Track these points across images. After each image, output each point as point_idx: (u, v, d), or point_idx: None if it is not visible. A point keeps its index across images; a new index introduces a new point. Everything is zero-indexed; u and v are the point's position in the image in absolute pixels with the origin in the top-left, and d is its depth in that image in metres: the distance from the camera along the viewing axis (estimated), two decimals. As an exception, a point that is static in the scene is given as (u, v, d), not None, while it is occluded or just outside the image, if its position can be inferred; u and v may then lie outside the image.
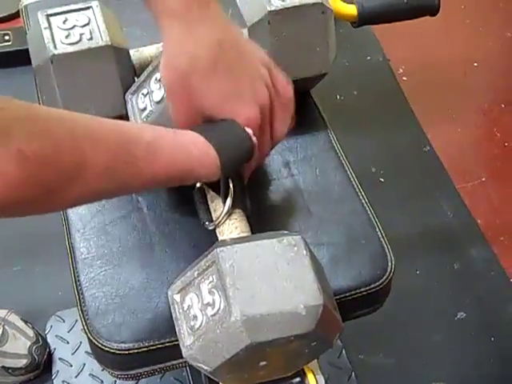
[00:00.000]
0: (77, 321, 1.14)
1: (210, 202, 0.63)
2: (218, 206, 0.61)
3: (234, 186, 0.60)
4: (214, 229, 0.61)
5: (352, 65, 1.66)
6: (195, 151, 0.56)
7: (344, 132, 1.42)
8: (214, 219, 0.61)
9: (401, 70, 1.69)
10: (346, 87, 1.61)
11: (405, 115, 1.61)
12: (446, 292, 1.30)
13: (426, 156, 1.52)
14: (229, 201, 0.60)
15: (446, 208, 1.43)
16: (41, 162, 0.46)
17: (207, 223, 0.62)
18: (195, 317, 0.52)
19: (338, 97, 1.61)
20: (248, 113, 0.59)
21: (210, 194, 0.62)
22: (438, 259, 1.34)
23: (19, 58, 1.47)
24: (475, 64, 1.71)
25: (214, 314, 0.51)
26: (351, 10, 1.01)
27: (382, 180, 1.47)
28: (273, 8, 0.68)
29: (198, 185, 0.62)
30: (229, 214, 0.60)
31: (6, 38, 1.61)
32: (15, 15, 1.70)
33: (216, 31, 0.59)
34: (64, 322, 1.16)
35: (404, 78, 1.68)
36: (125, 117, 0.69)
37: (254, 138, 0.59)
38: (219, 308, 0.51)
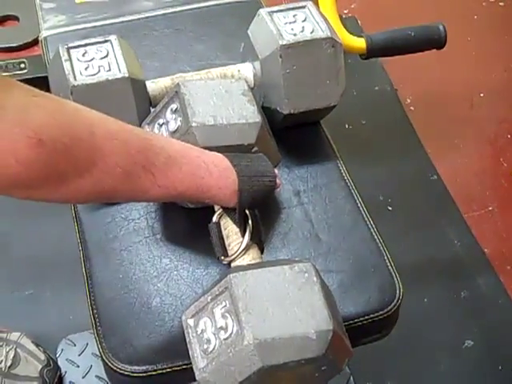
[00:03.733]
0: (87, 344, 1.15)
1: (225, 237, 0.64)
2: (234, 242, 0.63)
3: (251, 221, 0.62)
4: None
5: (360, 94, 1.69)
6: (215, 172, 0.58)
7: (352, 161, 1.44)
8: (230, 255, 0.63)
9: (408, 100, 1.72)
10: (354, 116, 1.64)
11: (412, 144, 1.62)
12: (453, 320, 1.30)
13: (433, 185, 1.54)
14: (247, 238, 0.61)
15: (452, 237, 1.44)
16: (54, 149, 0.47)
17: (222, 258, 0.63)
18: (208, 340, 0.53)
19: (347, 126, 1.63)
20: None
21: (226, 230, 0.64)
22: (445, 287, 1.35)
23: (35, 86, 1.52)
24: (481, 95, 1.73)
25: (227, 338, 0.52)
26: (360, 43, 1.05)
27: (390, 208, 1.48)
28: (285, 42, 0.71)
29: (215, 219, 0.64)
30: (245, 250, 0.62)
31: (22, 66, 1.65)
32: (30, 44, 1.75)
33: None
34: (75, 345, 1.18)
35: (411, 108, 1.70)
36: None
37: (279, 181, 0.63)
38: (232, 332, 0.52)
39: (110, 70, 0.69)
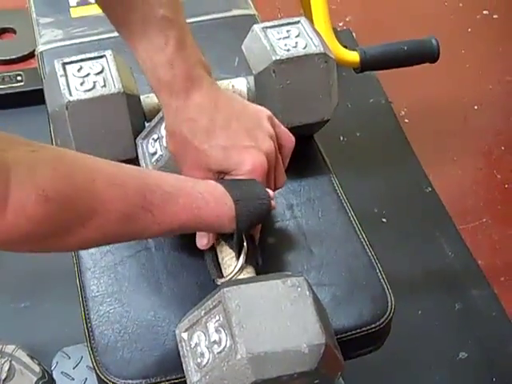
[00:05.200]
0: (82, 357, 1.15)
1: (220, 260, 0.65)
2: (229, 262, 0.63)
3: (247, 244, 0.62)
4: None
5: (355, 107, 1.70)
6: (212, 202, 0.58)
7: (347, 173, 1.45)
8: (225, 275, 0.63)
9: (403, 113, 1.73)
10: (349, 129, 1.65)
11: (407, 157, 1.63)
12: (447, 332, 1.31)
13: (428, 197, 1.55)
14: (241, 260, 0.62)
15: (447, 248, 1.45)
16: (61, 203, 0.48)
17: (217, 279, 0.64)
18: (202, 354, 0.54)
19: (342, 138, 1.64)
20: (253, 160, 0.62)
21: (222, 252, 0.65)
22: (439, 299, 1.35)
23: (31, 98, 1.53)
24: (476, 107, 1.75)
25: (221, 352, 0.53)
26: (353, 56, 1.06)
27: (384, 220, 1.49)
28: (278, 57, 0.72)
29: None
30: (240, 271, 0.62)
31: (19, 78, 1.66)
32: (27, 57, 1.75)
33: (209, 95, 0.63)
34: (70, 358, 1.18)
35: (406, 121, 1.71)
36: (135, 160, 0.72)
37: (274, 203, 0.62)
38: (225, 346, 0.53)
39: (104, 85, 0.70)
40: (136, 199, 0.54)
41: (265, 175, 0.63)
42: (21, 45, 1.77)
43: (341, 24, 1.91)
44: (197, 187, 0.59)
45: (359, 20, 1.94)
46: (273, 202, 0.63)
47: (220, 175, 0.64)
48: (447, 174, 1.61)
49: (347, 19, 1.94)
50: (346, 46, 1.29)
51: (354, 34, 1.88)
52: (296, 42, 0.73)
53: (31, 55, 1.73)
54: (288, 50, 0.72)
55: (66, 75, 0.71)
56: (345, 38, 1.72)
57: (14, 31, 1.83)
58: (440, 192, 1.55)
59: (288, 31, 0.74)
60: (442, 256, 1.43)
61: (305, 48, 0.72)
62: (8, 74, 1.66)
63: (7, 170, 0.45)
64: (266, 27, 0.75)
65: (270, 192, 0.63)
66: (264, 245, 0.70)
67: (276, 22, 0.76)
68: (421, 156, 1.62)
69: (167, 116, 0.64)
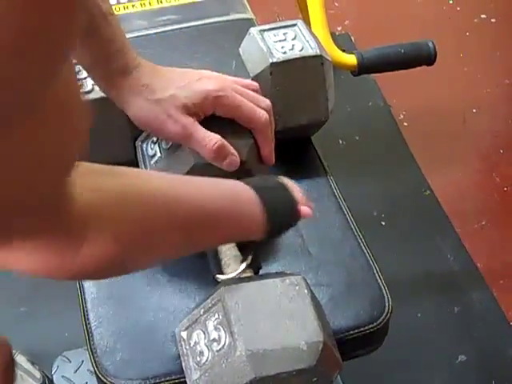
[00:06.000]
0: (83, 361, 1.15)
1: (223, 256, 0.65)
2: (229, 262, 0.64)
3: (254, 250, 0.63)
4: None
5: (354, 110, 1.71)
6: (246, 222, 0.57)
7: (346, 176, 1.46)
8: (226, 274, 0.63)
9: (401, 116, 1.74)
10: (348, 132, 1.65)
11: (406, 160, 1.64)
12: (446, 335, 1.31)
13: (427, 200, 1.55)
14: (245, 264, 0.62)
15: (446, 251, 1.45)
16: (130, 244, 0.48)
17: (218, 276, 0.64)
18: (201, 352, 0.54)
19: (341, 142, 1.65)
20: (216, 80, 0.65)
21: (223, 249, 0.65)
22: (438, 302, 1.36)
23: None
24: (474, 110, 1.75)
25: (220, 349, 0.53)
26: (351, 59, 1.06)
27: (383, 223, 1.50)
28: (275, 60, 0.72)
29: None
30: (241, 273, 0.63)
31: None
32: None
33: (152, 66, 0.67)
34: (70, 362, 1.18)
35: (405, 124, 1.72)
36: (134, 162, 0.72)
37: (306, 209, 0.61)
38: (224, 343, 0.53)
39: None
40: (191, 229, 0.53)
41: (235, 94, 0.65)
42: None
43: (339, 28, 1.92)
44: (237, 208, 0.57)
45: (358, 24, 1.95)
46: (306, 209, 0.61)
47: (199, 115, 0.64)
48: (446, 176, 1.61)
49: (346, 23, 1.95)
50: (344, 50, 1.29)
51: (352, 38, 1.89)
52: (293, 45, 0.73)
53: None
54: (285, 53, 0.73)
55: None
56: (343, 42, 1.73)
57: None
58: (439, 195, 1.55)
59: (285, 34, 0.75)
60: (441, 259, 1.43)
61: (301, 50, 0.73)
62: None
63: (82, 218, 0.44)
64: (263, 30, 0.76)
65: (300, 197, 0.61)
66: (263, 246, 0.71)
67: (273, 25, 0.77)
68: (420, 159, 1.63)
69: (124, 96, 0.66)
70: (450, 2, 2.01)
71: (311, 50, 0.73)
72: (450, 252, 1.45)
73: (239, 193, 0.57)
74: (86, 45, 0.63)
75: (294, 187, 0.61)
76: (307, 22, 1.19)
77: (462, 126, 1.73)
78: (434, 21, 1.94)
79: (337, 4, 1.96)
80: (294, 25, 0.76)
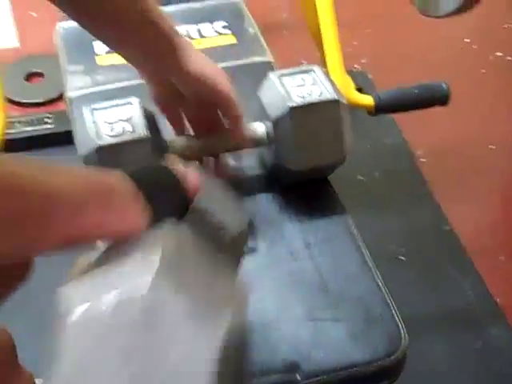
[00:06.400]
0: None
1: None
2: None
3: None
4: None
5: (372, 147, 1.74)
6: (116, 207, 0.44)
7: (365, 211, 1.49)
8: None
9: (419, 152, 1.76)
10: (366, 168, 1.68)
11: (424, 195, 1.66)
12: (465, 371, 1.31)
13: (446, 235, 1.57)
14: None
15: (465, 287, 1.46)
16: None
17: None
18: None
19: (360, 177, 1.68)
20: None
21: None
22: (457, 338, 1.36)
23: (58, 140, 1.59)
24: (491, 147, 1.78)
25: None
26: (368, 100, 1.10)
27: (403, 258, 1.51)
28: (294, 104, 0.76)
29: None
30: None
31: (46, 120, 1.73)
32: (55, 100, 1.83)
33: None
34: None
35: (423, 160, 1.74)
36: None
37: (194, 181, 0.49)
38: None
39: (133, 130, 0.74)
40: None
41: None
42: (49, 88, 1.84)
43: (357, 66, 1.96)
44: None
45: (374, 61, 1.99)
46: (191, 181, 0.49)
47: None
48: (465, 212, 1.63)
49: (363, 61, 1.99)
50: (361, 88, 1.33)
51: (369, 75, 1.93)
52: (311, 90, 0.77)
53: (59, 98, 1.80)
54: (303, 97, 0.76)
55: (95, 121, 0.76)
56: (361, 80, 1.77)
57: (41, 75, 1.90)
58: (458, 230, 1.57)
59: (303, 79, 0.78)
60: (460, 294, 1.44)
61: (319, 95, 0.76)
62: (36, 116, 1.73)
63: None
64: (282, 75, 0.80)
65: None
66: (282, 282, 0.73)
67: (291, 70, 0.80)
68: (438, 195, 1.65)
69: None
70: (467, 40, 2.05)
71: (328, 94, 0.76)
72: (470, 287, 1.46)
73: (103, 180, 0.44)
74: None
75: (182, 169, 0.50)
76: (324, 61, 1.24)
77: (480, 163, 1.75)
78: (451, 58, 1.98)
79: (355, 42, 2.01)
80: (312, 70, 0.80)
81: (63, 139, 1.54)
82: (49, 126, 1.70)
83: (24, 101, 1.81)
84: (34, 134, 1.68)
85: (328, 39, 1.25)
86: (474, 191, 1.68)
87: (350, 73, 1.61)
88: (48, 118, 1.73)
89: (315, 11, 1.32)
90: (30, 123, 1.71)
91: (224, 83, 0.76)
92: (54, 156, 1.59)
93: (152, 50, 0.74)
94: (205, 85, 0.75)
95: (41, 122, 1.72)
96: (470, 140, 1.79)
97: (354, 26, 2.00)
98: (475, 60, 1.99)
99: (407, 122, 1.78)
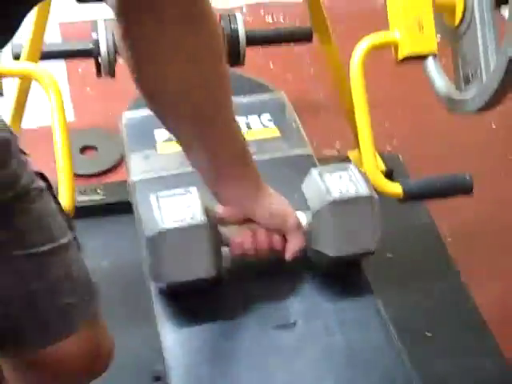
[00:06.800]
0: None
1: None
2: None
3: None
4: None
5: (401, 226, 1.82)
6: None
7: (392, 287, 1.55)
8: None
9: (445, 231, 1.84)
10: (395, 246, 1.76)
11: (450, 273, 1.73)
12: None
13: (470, 313, 1.63)
14: None
15: (488, 364, 1.51)
16: None
17: None
18: None
19: (388, 255, 1.76)
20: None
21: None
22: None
23: (109, 210, 1.72)
24: (516, 225, 1.84)
25: None
26: (397, 188, 1.21)
27: (429, 335, 1.57)
28: (333, 199, 0.88)
29: None
30: None
31: (98, 191, 1.86)
32: (106, 172, 1.96)
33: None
34: None
35: (449, 239, 1.82)
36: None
37: None
38: None
39: (192, 217, 0.86)
40: None
41: None
42: (101, 161, 1.98)
43: (389, 148, 2.06)
44: None
45: (406, 143, 2.09)
46: None
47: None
48: (491, 291, 1.69)
49: (393, 142, 2.09)
50: (392, 170, 1.43)
51: (400, 158, 2.02)
52: (347, 186, 0.90)
53: (110, 170, 1.94)
54: (341, 193, 0.89)
55: (159, 206, 0.89)
56: (392, 163, 1.87)
57: (95, 148, 2.04)
58: (483, 309, 1.62)
59: (340, 176, 0.91)
60: (484, 372, 1.49)
61: (355, 191, 0.89)
62: (89, 187, 1.86)
63: None
64: (323, 172, 0.92)
65: None
66: (313, 356, 0.83)
67: (330, 168, 0.93)
68: (464, 273, 1.71)
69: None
70: (494, 126, 2.15)
71: (363, 190, 0.89)
72: (493, 365, 1.51)
73: None
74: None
75: None
76: (357, 142, 1.32)
77: (505, 242, 1.81)
78: (478, 143, 2.07)
79: (387, 125, 2.11)
80: (348, 168, 0.93)
81: (111, 210, 1.69)
82: (100, 197, 1.82)
83: (79, 172, 1.94)
84: (86, 204, 1.81)
85: (360, 121, 1.32)
86: (501, 269, 1.73)
87: (382, 156, 1.72)
88: (100, 188, 1.86)
89: (348, 92, 1.40)
90: (83, 193, 1.84)
91: (293, 222, 0.88)
92: (103, 225, 1.72)
93: (239, 186, 0.86)
94: (276, 222, 0.88)
95: (93, 192, 1.85)
96: (496, 221, 1.85)
97: (386, 107, 2.10)
98: (502, 146, 2.07)
99: (433, 202, 1.86)
